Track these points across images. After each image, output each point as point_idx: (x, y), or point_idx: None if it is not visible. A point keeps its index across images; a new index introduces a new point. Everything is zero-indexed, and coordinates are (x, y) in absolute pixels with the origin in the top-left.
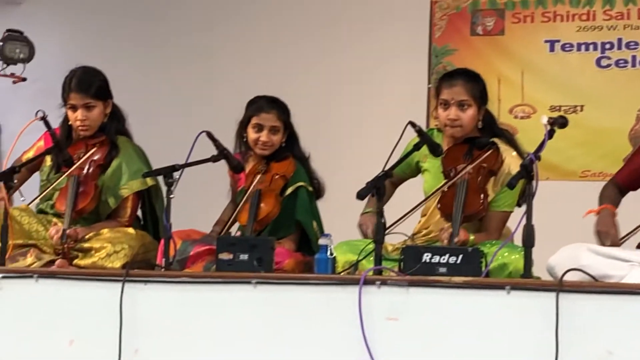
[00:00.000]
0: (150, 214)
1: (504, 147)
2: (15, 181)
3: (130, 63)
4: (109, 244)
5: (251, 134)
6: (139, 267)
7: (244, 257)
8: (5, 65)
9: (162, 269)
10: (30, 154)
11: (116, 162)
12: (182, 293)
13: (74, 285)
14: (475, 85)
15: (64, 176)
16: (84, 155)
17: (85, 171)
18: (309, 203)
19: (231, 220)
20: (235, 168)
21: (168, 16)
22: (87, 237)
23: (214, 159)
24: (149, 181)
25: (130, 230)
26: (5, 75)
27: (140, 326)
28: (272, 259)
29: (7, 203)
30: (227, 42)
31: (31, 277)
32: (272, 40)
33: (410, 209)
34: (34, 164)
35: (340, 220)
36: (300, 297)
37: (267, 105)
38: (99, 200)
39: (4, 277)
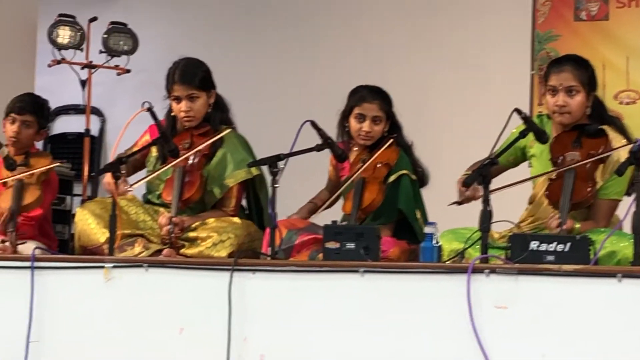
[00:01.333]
0: (255, 203)
1: (613, 135)
2: (123, 172)
3: (233, 53)
4: (215, 234)
5: (353, 124)
6: (245, 256)
7: (350, 245)
8: (109, 57)
9: (268, 258)
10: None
11: (221, 152)
12: (289, 282)
13: (183, 274)
14: (583, 71)
15: (169, 166)
16: (189, 146)
17: (190, 161)
18: (412, 191)
19: (324, 207)
20: (340, 157)
21: (270, 6)
22: (193, 226)
23: (318, 148)
24: (254, 171)
25: (236, 219)
26: (110, 67)
27: (249, 314)
28: (378, 248)
29: (115, 194)
30: (328, 31)
31: (141, 266)
32: (373, 29)
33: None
34: (140, 154)
35: (445, 208)
36: (407, 286)
37: (369, 95)
38: (205, 190)
39: (115, 267)
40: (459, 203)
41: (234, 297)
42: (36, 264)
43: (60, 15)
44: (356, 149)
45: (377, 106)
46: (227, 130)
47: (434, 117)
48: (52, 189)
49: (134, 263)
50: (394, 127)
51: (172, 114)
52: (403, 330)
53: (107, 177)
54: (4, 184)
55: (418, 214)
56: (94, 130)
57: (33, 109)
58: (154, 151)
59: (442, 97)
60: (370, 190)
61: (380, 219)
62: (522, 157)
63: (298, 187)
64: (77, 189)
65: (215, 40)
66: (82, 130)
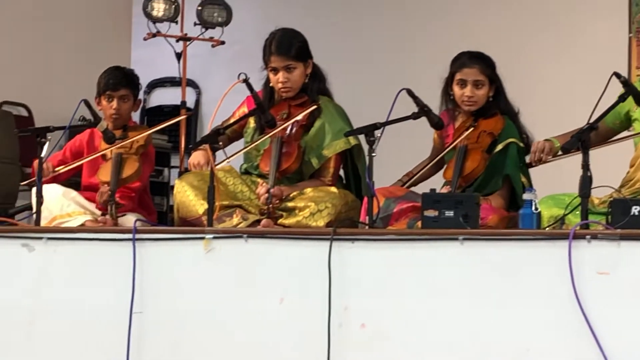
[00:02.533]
0: (353, 172)
1: None
2: (220, 143)
3: (328, 22)
4: (313, 203)
5: (456, 90)
6: (343, 226)
7: (449, 213)
8: (204, 29)
9: (366, 227)
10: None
11: (319, 123)
12: (388, 251)
13: (282, 244)
14: None
15: (266, 137)
16: (286, 116)
17: (288, 132)
18: (518, 159)
19: (419, 175)
20: (436, 125)
21: None
22: (291, 196)
23: (414, 116)
24: (352, 140)
25: (333, 189)
26: (204, 39)
27: (349, 284)
28: (477, 215)
29: (212, 165)
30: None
31: (241, 237)
32: None
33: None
34: (238, 125)
35: (544, 175)
36: (508, 254)
37: (469, 60)
38: (302, 160)
39: (215, 238)
40: (530, 165)
41: (334, 266)
42: (137, 235)
43: None
44: (462, 116)
45: (477, 70)
46: (325, 100)
47: (530, 84)
48: (150, 161)
49: (233, 234)
50: (498, 93)
51: (270, 84)
52: (504, 298)
53: (194, 157)
54: (104, 157)
55: (525, 181)
56: (190, 103)
57: (126, 82)
58: (251, 122)
59: (538, 63)
60: (472, 158)
61: (486, 189)
62: (627, 121)
63: (396, 156)
64: (174, 160)
65: (309, 9)
66: (178, 102)
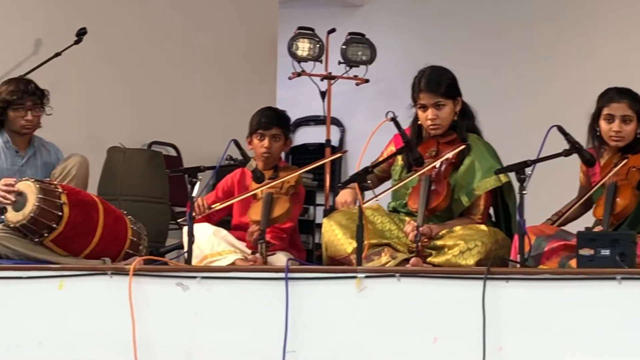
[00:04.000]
0: (503, 210)
1: None
2: (369, 182)
3: (473, 60)
4: (462, 242)
5: (603, 126)
6: (493, 264)
7: (605, 252)
8: (348, 68)
9: (518, 265)
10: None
11: (468, 160)
12: (544, 290)
13: (435, 283)
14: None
15: (416, 175)
16: (435, 154)
17: (437, 170)
18: None
19: (568, 214)
20: (588, 162)
21: (510, 11)
22: (440, 234)
23: (565, 153)
24: (503, 178)
25: (483, 227)
26: (349, 78)
27: (503, 323)
28: (635, 254)
29: (361, 203)
30: (568, 34)
31: (393, 276)
32: (615, 32)
33: None
34: (386, 164)
35: None
36: None
37: (617, 95)
38: (452, 198)
39: (367, 277)
40: None
41: (488, 305)
42: (289, 274)
43: (300, 28)
44: (608, 153)
45: (625, 105)
46: (474, 138)
47: None
48: (300, 201)
49: (386, 273)
50: None
51: (418, 122)
52: None
53: (342, 196)
54: (254, 196)
55: None
56: (334, 141)
57: (278, 121)
58: (399, 160)
59: None
60: (622, 195)
61: (638, 226)
62: None
63: (546, 194)
64: (320, 199)
65: (453, 47)
66: (322, 140)
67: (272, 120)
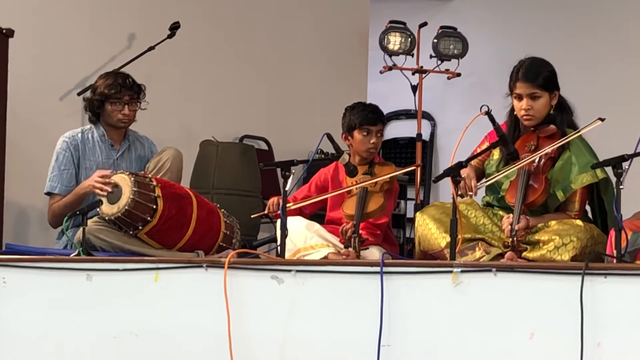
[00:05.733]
0: (599, 206)
1: None
2: (463, 176)
3: (565, 55)
4: (557, 237)
5: None
6: (589, 260)
7: None
8: (439, 62)
9: (614, 261)
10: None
11: (566, 155)
12: None
13: (532, 278)
14: None
15: (514, 167)
16: (534, 148)
17: (536, 164)
18: None
19: None
20: None
21: (604, 5)
22: (535, 229)
23: None
24: (600, 174)
25: (579, 222)
26: (440, 72)
27: (602, 319)
28: None
29: (455, 198)
30: None
31: (490, 270)
32: None
33: None
34: (478, 161)
35: None
36: None
37: None
38: (548, 193)
39: (463, 272)
40: None
41: (586, 301)
42: (384, 269)
43: (391, 22)
44: None
45: None
46: (574, 134)
47: None
48: (394, 197)
49: (482, 267)
50: None
51: (514, 113)
52: None
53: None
54: (349, 191)
55: None
56: (425, 135)
57: (383, 117)
58: (495, 154)
59: None
60: None
61: None
62: None
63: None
64: (410, 193)
65: (544, 42)
66: (413, 135)
67: (379, 116)
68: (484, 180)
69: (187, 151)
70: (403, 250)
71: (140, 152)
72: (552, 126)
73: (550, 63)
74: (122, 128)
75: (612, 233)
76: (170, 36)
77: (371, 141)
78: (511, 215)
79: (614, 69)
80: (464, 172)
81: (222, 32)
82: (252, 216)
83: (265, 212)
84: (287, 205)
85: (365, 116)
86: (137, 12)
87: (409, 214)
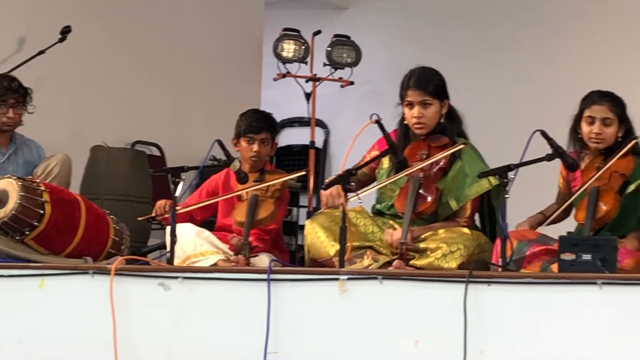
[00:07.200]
0: (489, 214)
1: None
2: (352, 184)
3: (459, 63)
4: (445, 245)
5: (584, 128)
6: (475, 268)
7: (586, 257)
8: (333, 70)
9: (499, 269)
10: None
11: (458, 165)
12: (525, 294)
13: (417, 286)
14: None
15: (403, 174)
16: (426, 157)
17: (427, 173)
18: None
19: (553, 218)
20: (571, 166)
21: (494, 14)
22: (423, 237)
23: (548, 158)
24: (493, 181)
25: (466, 230)
26: (334, 80)
27: (485, 327)
28: (616, 259)
29: (345, 206)
30: (560, 34)
31: (376, 278)
32: (589, 32)
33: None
34: (369, 168)
35: None
36: None
37: (599, 98)
38: (439, 202)
39: (350, 279)
40: None
41: (469, 309)
42: (272, 276)
43: (285, 29)
44: (588, 157)
45: (606, 108)
46: (464, 143)
47: None
48: (285, 204)
49: (368, 275)
50: (628, 135)
51: (405, 122)
52: None
53: (327, 190)
54: (239, 198)
55: None
56: (319, 142)
57: (268, 126)
58: (385, 162)
59: None
60: (605, 200)
61: (619, 230)
62: None
63: (528, 198)
64: (303, 200)
65: (439, 50)
66: (306, 142)
67: (263, 125)
68: (372, 185)
69: (77, 156)
70: (295, 257)
71: (28, 157)
72: (445, 137)
73: (440, 73)
74: (7, 131)
75: (498, 241)
76: (61, 40)
77: (253, 149)
78: (391, 230)
79: (504, 76)
80: (335, 190)
81: (115, 37)
82: (139, 218)
83: (153, 214)
84: (177, 209)
85: (249, 124)
86: (27, 16)
87: (301, 221)
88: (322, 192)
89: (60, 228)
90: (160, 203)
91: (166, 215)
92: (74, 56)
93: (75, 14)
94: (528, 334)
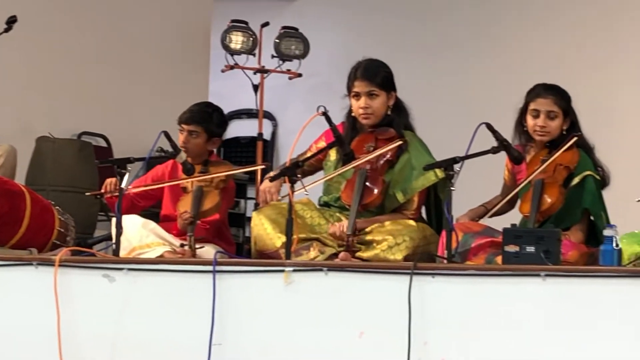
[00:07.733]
0: (435, 206)
1: None
2: (299, 176)
3: (405, 55)
4: (391, 236)
5: (529, 120)
6: (421, 260)
7: (530, 249)
8: (281, 62)
9: (444, 261)
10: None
11: (405, 157)
12: (469, 286)
13: (362, 278)
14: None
15: (351, 166)
16: (373, 149)
17: (374, 166)
18: (597, 192)
19: (494, 210)
20: (516, 159)
21: (445, 7)
22: (368, 229)
23: (494, 151)
24: (439, 173)
25: (412, 222)
26: (282, 72)
27: (429, 318)
28: (559, 251)
29: (291, 197)
30: (505, 30)
31: (321, 270)
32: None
33: None
34: (315, 159)
35: (624, 210)
36: (590, 290)
37: (544, 91)
38: (386, 195)
39: (295, 271)
40: None
41: (414, 300)
42: (217, 267)
43: (233, 21)
44: (534, 150)
45: (551, 101)
46: (410, 135)
47: (613, 117)
48: (230, 196)
49: (313, 267)
50: (573, 127)
51: (352, 114)
52: (587, 336)
53: (264, 185)
54: (184, 189)
55: (602, 216)
56: (267, 134)
57: (199, 119)
58: (332, 155)
59: (621, 96)
60: (549, 192)
61: (563, 223)
62: None
63: (474, 191)
64: (251, 192)
65: (388, 43)
66: (254, 134)
67: (194, 116)
68: (319, 178)
69: (23, 147)
70: (242, 249)
71: None
72: (392, 130)
73: (388, 65)
74: None
75: (444, 234)
76: (6, 30)
77: (180, 139)
78: (337, 223)
79: (450, 69)
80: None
81: (61, 27)
82: (87, 194)
83: (102, 190)
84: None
85: (182, 114)
86: None
87: (249, 213)
88: (260, 187)
89: (5, 219)
90: (110, 180)
91: (116, 194)
92: (20, 46)
93: (21, 3)
94: (472, 326)
